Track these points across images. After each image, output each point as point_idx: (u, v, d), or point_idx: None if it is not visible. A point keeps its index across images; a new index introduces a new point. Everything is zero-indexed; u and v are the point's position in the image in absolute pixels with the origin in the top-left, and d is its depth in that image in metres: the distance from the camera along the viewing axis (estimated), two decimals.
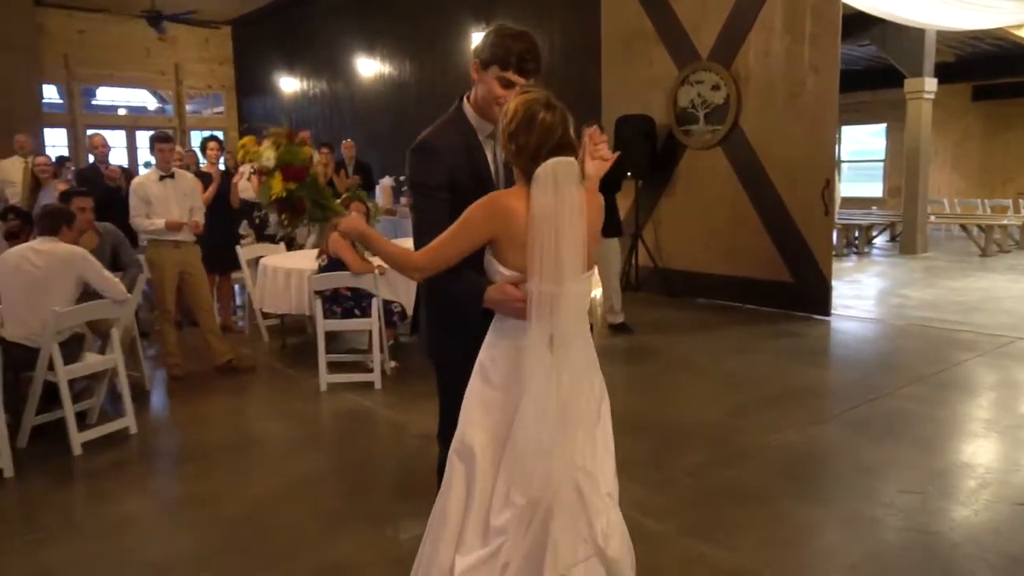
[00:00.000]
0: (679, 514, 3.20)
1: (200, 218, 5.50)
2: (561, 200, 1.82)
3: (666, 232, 8.15)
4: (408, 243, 2.21)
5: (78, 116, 13.96)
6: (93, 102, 15.86)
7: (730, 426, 4.24)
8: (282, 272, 5.72)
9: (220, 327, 6.10)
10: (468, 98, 2.24)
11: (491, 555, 1.87)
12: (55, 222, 4.20)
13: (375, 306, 5.08)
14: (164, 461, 4.19)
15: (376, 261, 5.03)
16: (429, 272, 2.01)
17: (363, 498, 3.49)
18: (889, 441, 3.97)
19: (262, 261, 6.13)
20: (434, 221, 1.99)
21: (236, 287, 7.58)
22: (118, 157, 14.00)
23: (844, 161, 17.50)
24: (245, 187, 7.33)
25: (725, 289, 7.62)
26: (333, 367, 5.20)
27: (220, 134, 13.11)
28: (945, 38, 11.22)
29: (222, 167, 7.28)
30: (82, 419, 4.29)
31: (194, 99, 16.12)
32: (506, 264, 1.93)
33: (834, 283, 7.19)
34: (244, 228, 7.62)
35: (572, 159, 1.88)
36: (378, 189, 10.01)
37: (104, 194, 6.09)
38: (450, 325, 2.15)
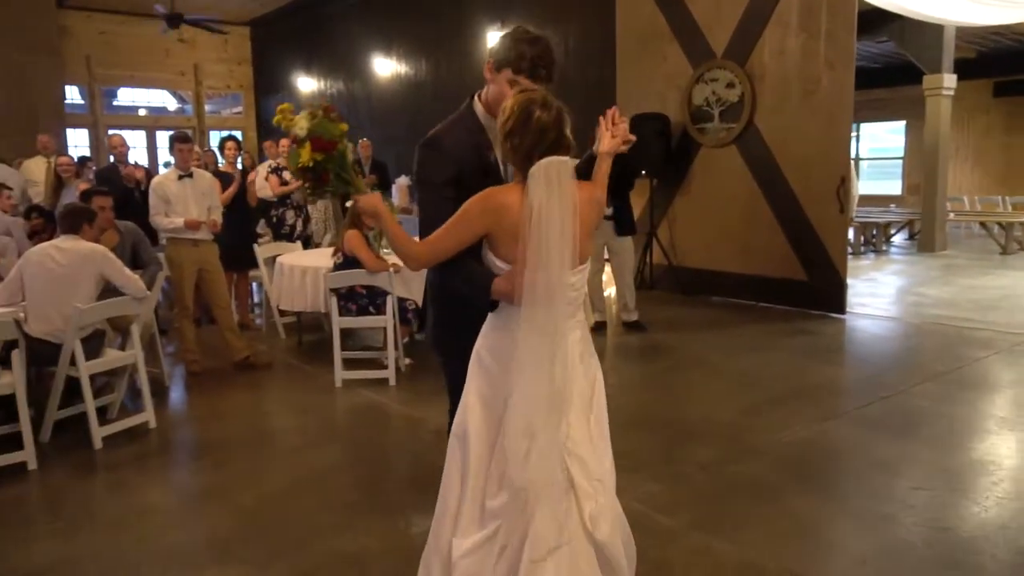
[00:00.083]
0: (688, 508, 3.22)
1: (218, 217, 5.58)
2: (555, 197, 1.87)
3: (680, 230, 8.15)
4: None
5: (99, 116, 14.16)
6: (114, 103, 16.09)
7: (742, 423, 4.25)
8: (298, 270, 5.80)
9: (238, 324, 6.18)
10: (479, 97, 2.28)
11: (488, 538, 1.92)
12: (77, 221, 4.29)
13: (390, 304, 5.13)
14: (182, 454, 4.27)
15: (391, 259, 5.09)
16: (426, 263, 2.07)
17: (377, 491, 3.54)
18: (901, 438, 3.96)
19: (279, 259, 6.21)
20: (438, 217, 2.04)
21: (253, 285, 7.67)
22: (138, 157, 14.23)
23: (863, 159, 17.37)
24: (262, 186, 7.43)
25: (739, 287, 7.61)
26: (348, 364, 5.27)
27: (238, 134, 13.27)
28: (965, 34, 11.12)
29: (239, 167, 7.38)
30: (103, 414, 4.39)
31: (213, 99, 16.30)
32: (500, 256, 1.98)
33: (850, 281, 7.16)
34: (261, 227, 7.71)
35: (567, 159, 1.92)
36: (394, 188, 10.08)
37: (122, 193, 6.19)
38: (456, 320, 2.19)
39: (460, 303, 2.14)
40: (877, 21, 9.42)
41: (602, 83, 8.53)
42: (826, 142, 6.84)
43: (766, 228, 7.33)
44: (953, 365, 5.25)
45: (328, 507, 3.35)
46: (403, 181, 10.24)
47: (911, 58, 10.69)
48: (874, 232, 11.95)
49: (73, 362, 4.03)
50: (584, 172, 2.25)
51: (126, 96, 16.36)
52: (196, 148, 6.38)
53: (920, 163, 12.06)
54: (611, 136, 2.19)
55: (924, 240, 11.28)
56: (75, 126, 14.02)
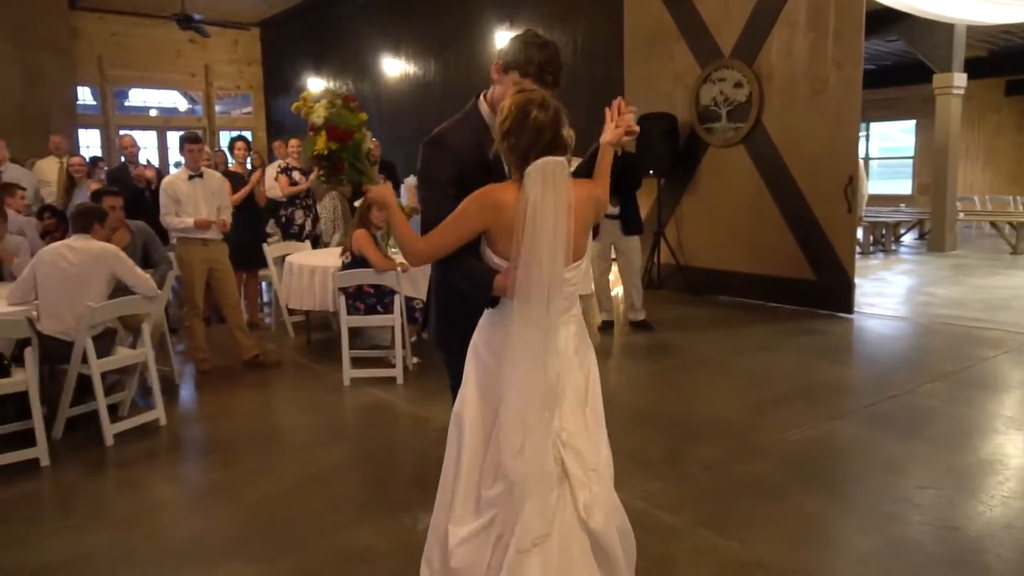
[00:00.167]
0: (693, 507, 3.24)
1: (228, 216, 5.63)
2: (549, 195, 1.90)
3: (688, 230, 8.15)
4: None
5: (111, 117, 14.28)
6: (125, 103, 16.20)
7: (748, 422, 4.26)
8: (307, 269, 5.84)
9: (247, 323, 6.23)
10: (485, 97, 2.31)
11: (484, 527, 1.96)
12: (88, 220, 4.34)
13: (397, 303, 5.17)
14: (192, 451, 4.32)
15: (399, 259, 5.12)
16: (426, 259, 2.12)
17: (384, 489, 3.57)
18: (908, 437, 3.97)
19: (288, 259, 6.26)
20: (439, 215, 2.07)
21: (263, 284, 7.72)
22: (149, 157, 14.32)
23: (873, 158, 17.29)
24: (272, 186, 7.48)
25: (747, 287, 7.60)
26: (356, 362, 5.30)
27: (248, 134, 13.34)
28: (976, 32, 11.07)
29: (248, 167, 7.43)
30: (114, 411, 4.44)
31: (223, 100, 16.39)
32: (497, 253, 2.02)
33: (859, 281, 7.14)
34: (271, 227, 7.76)
35: (563, 159, 1.95)
36: (403, 188, 10.12)
37: (132, 193, 6.24)
38: (458, 318, 2.22)
39: (462, 301, 2.17)
40: (887, 20, 9.40)
41: (610, 82, 8.54)
42: (834, 142, 6.83)
43: (774, 228, 7.33)
44: (961, 365, 5.24)
45: (336, 504, 3.38)
46: (412, 181, 10.26)
47: (921, 57, 10.66)
48: (883, 232, 11.91)
49: (85, 360, 4.08)
50: (588, 169, 2.27)
51: (137, 97, 16.49)
52: (206, 148, 6.43)
53: (930, 162, 12.01)
54: (615, 126, 2.22)
55: (934, 240, 11.23)
56: (87, 127, 14.14)
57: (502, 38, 9.90)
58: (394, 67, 12.63)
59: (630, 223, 6.35)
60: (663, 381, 5.29)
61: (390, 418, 4.66)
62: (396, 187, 9.65)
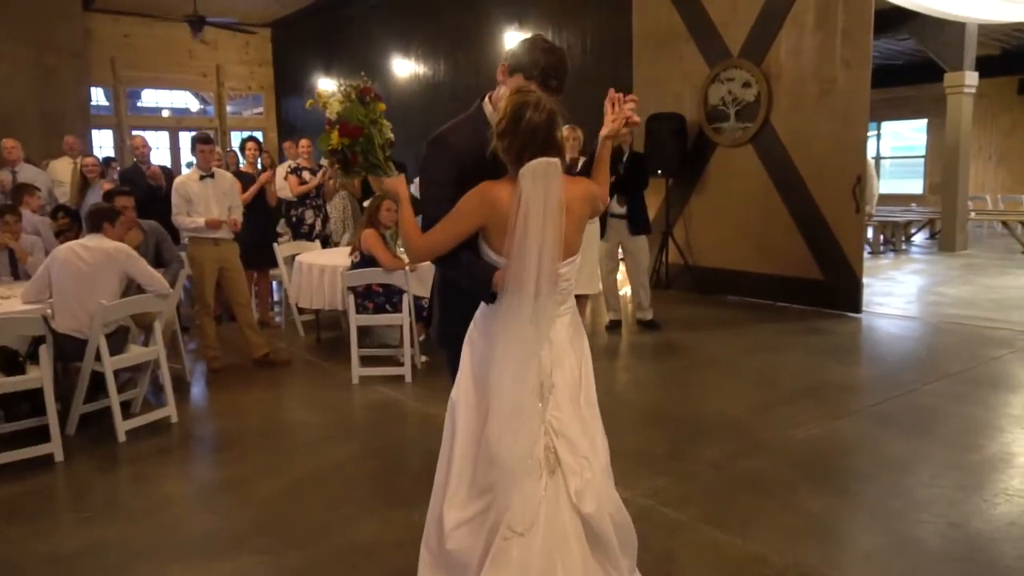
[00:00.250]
0: (697, 503, 3.26)
1: (238, 216, 5.69)
2: (541, 195, 1.95)
3: (696, 229, 8.16)
4: None
5: (124, 118, 14.42)
6: (138, 104, 16.34)
7: (754, 420, 4.28)
8: (316, 269, 5.89)
9: (258, 322, 6.29)
10: (490, 98, 2.34)
11: (480, 512, 2.01)
12: (99, 220, 4.41)
13: (406, 302, 5.21)
14: (203, 448, 4.37)
15: (407, 258, 5.16)
16: (425, 256, 2.17)
17: (391, 484, 3.62)
18: (913, 436, 3.97)
19: (298, 258, 6.31)
20: (439, 213, 2.12)
21: (273, 283, 7.79)
22: (161, 157, 14.46)
23: (884, 157, 17.21)
24: (282, 186, 7.54)
25: (755, 287, 7.61)
26: (365, 361, 5.35)
27: (259, 135, 13.44)
28: (988, 31, 11.01)
29: (259, 167, 7.49)
30: (126, 408, 4.50)
31: (234, 100, 16.51)
32: (493, 249, 2.07)
33: (869, 281, 7.14)
34: (281, 226, 7.82)
35: (556, 160, 1.99)
36: (413, 188, 10.15)
37: (145, 193, 6.31)
38: (461, 316, 2.25)
39: (465, 299, 2.20)
40: (897, 19, 9.38)
41: (618, 83, 8.49)
42: (842, 141, 6.83)
43: (782, 227, 7.33)
44: (969, 364, 5.24)
45: (344, 500, 3.42)
46: None
47: (932, 55, 10.62)
48: (893, 231, 11.86)
49: (98, 357, 4.14)
50: (589, 167, 2.32)
51: (149, 97, 16.63)
52: (218, 149, 6.49)
53: (942, 162, 11.95)
54: (613, 119, 2.25)
55: (944, 239, 11.19)
56: (100, 127, 14.28)
57: (511, 39, 9.93)
58: (404, 67, 12.69)
59: (637, 223, 6.36)
60: (670, 380, 5.31)
61: (398, 416, 4.70)
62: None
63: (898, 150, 17.66)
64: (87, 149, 11.36)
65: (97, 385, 4.30)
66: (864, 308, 6.95)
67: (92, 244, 4.31)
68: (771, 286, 7.48)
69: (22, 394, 4.08)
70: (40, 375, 3.87)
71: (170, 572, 2.84)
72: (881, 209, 12.25)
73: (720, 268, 7.93)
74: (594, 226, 6.04)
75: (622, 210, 6.32)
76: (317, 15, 14.17)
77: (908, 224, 12.32)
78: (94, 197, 6.73)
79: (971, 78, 10.46)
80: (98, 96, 14.69)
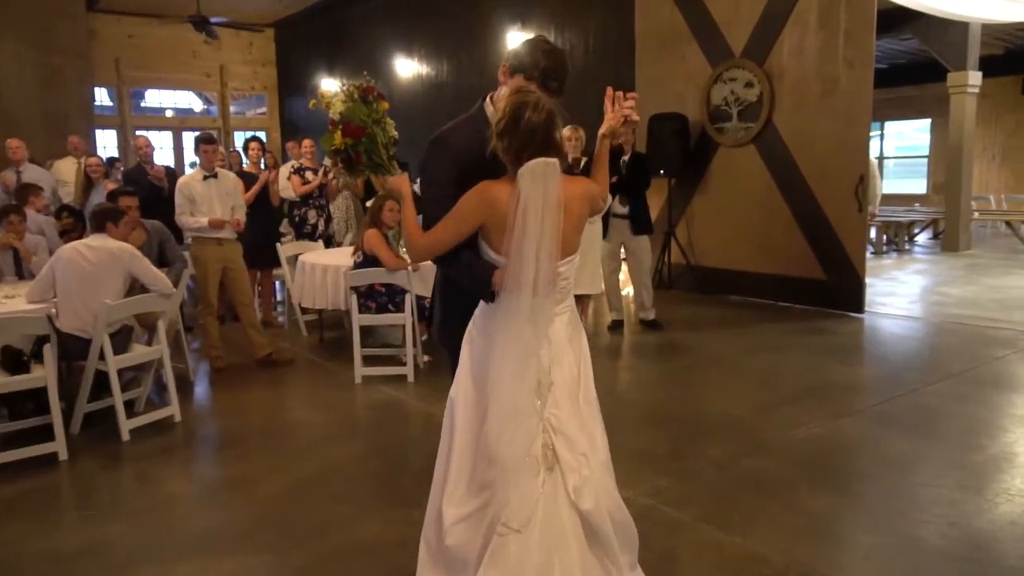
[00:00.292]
0: (698, 502, 3.27)
1: (242, 216, 5.70)
2: (539, 195, 1.96)
3: (699, 230, 8.16)
4: None
5: (127, 118, 14.46)
6: (142, 104, 16.38)
7: (756, 420, 4.28)
8: (319, 268, 5.90)
9: (261, 322, 6.31)
10: (491, 98, 2.35)
11: (479, 508, 2.03)
12: (102, 219, 4.43)
13: (408, 302, 5.22)
14: (206, 446, 4.39)
15: (409, 258, 5.18)
16: (425, 255, 2.19)
17: (393, 483, 3.63)
18: (915, 435, 3.98)
19: (301, 258, 6.33)
20: (439, 214, 2.13)
21: (276, 283, 7.81)
22: (165, 158, 14.50)
23: (888, 157, 17.19)
24: (285, 186, 7.56)
25: (758, 287, 7.61)
26: (368, 360, 5.37)
27: (262, 135, 13.47)
28: (992, 30, 11.00)
29: (263, 167, 7.51)
30: (130, 407, 4.51)
31: (237, 100, 16.54)
32: (492, 247, 2.09)
33: (871, 281, 7.14)
34: (284, 227, 7.84)
35: (554, 160, 2.01)
36: (416, 189, 10.17)
37: (149, 193, 6.34)
38: (462, 315, 2.26)
39: (466, 299, 2.21)
40: (900, 19, 9.37)
41: (621, 83, 8.51)
42: (845, 141, 6.83)
43: (784, 227, 7.33)
44: (971, 364, 5.23)
45: (346, 499, 3.44)
46: None
47: (935, 55, 10.60)
48: (896, 232, 11.85)
49: (102, 357, 4.16)
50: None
51: (153, 98, 16.66)
52: (221, 149, 6.51)
53: (945, 162, 11.94)
54: (611, 117, 2.26)
55: (948, 239, 11.17)
56: (104, 127, 14.33)
57: (514, 38, 9.94)
58: (407, 68, 12.71)
59: (640, 223, 6.37)
60: (673, 380, 5.31)
61: (401, 415, 4.72)
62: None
63: (902, 150, 17.64)
64: (91, 149, 11.40)
65: (101, 384, 4.33)
66: (867, 308, 6.95)
67: (96, 244, 4.33)
68: (773, 286, 7.48)
69: (27, 393, 4.11)
70: (44, 374, 3.90)
71: (173, 570, 2.86)
72: (884, 209, 12.23)
73: (722, 268, 7.93)
74: (596, 226, 6.06)
75: (624, 210, 6.33)
76: (320, 15, 14.20)
77: (911, 224, 12.31)
78: (98, 197, 6.76)
79: (975, 78, 10.45)
80: (102, 96, 14.73)
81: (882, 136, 16.79)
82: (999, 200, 13.66)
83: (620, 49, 8.85)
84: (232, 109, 16.07)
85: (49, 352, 3.91)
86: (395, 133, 2.42)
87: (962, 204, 10.92)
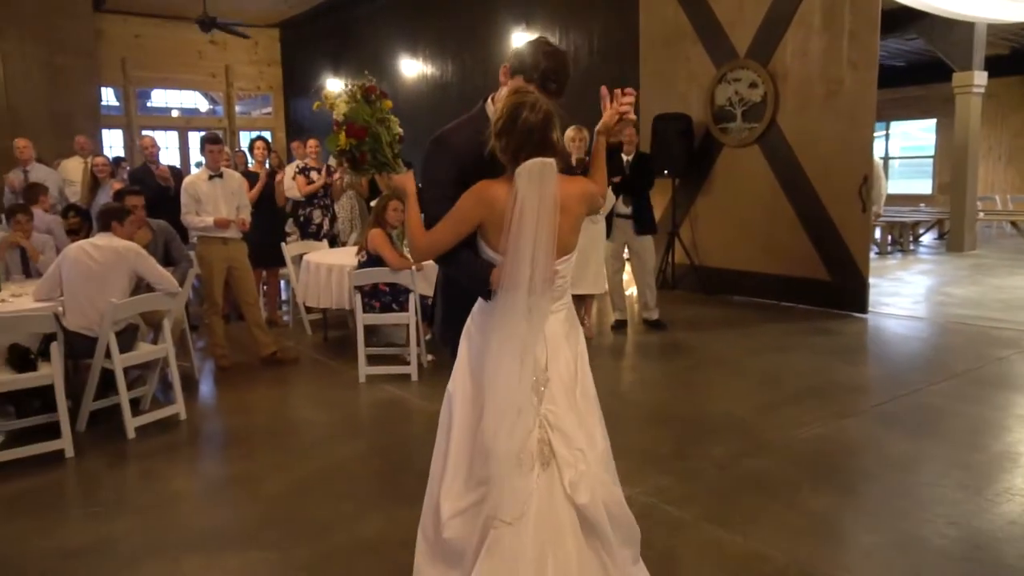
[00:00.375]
0: (700, 502, 3.28)
1: (247, 216, 5.73)
2: (535, 195, 1.98)
3: (703, 230, 8.17)
4: None
5: (134, 118, 14.52)
6: (148, 104, 16.43)
7: (758, 420, 4.29)
8: (324, 268, 5.93)
9: (266, 321, 6.33)
10: (493, 98, 2.37)
11: (475, 503, 2.05)
12: (107, 219, 4.47)
13: (412, 301, 5.24)
14: (211, 444, 4.42)
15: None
16: (426, 255, 2.21)
17: (397, 482, 3.65)
18: (917, 435, 3.98)
19: (305, 257, 6.35)
20: (439, 213, 2.15)
21: (281, 283, 7.84)
22: (171, 157, 14.55)
23: (894, 157, 17.15)
24: (290, 186, 7.58)
25: (761, 287, 7.61)
26: (372, 360, 5.39)
27: (268, 135, 13.51)
28: (998, 30, 10.98)
29: (267, 167, 7.54)
30: (136, 405, 4.55)
31: (243, 100, 16.59)
32: (490, 245, 2.11)
33: (875, 281, 7.13)
34: (289, 226, 7.87)
35: (551, 160, 2.03)
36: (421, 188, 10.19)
37: (155, 193, 6.37)
38: (464, 316, 2.28)
39: (467, 298, 2.23)
40: (905, 18, 9.36)
41: (625, 83, 8.53)
42: (849, 142, 6.83)
43: (788, 228, 7.33)
44: (975, 364, 5.23)
45: (350, 497, 3.46)
46: None
47: (940, 55, 10.59)
48: (900, 232, 11.83)
49: (108, 355, 4.19)
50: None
51: (159, 97, 16.72)
52: (226, 149, 6.54)
53: (950, 162, 11.91)
54: (607, 114, 2.27)
55: (953, 240, 11.16)
56: (110, 127, 14.37)
57: (518, 39, 9.96)
58: (411, 68, 12.73)
59: (643, 223, 6.38)
60: (676, 380, 5.32)
61: (404, 414, 4.74)
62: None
63: (907, 150, 17.59)
64: (97, 149, 11.44)
65: (107, 382, 4.36)
66: (870, 308, 6.94)
67: (102, 243, 4.36)
68: (777, 286, 7.48)
69: (33, 391, 4.13)
70: (51, 372, 3.93)
71: (178, 566, 2.88)
72: (889, 209, 12.20)
73: (726, 268, 7.94)
74: (600, 226, 6.08)
75: (628, 210, 6.34)
76: (325, 15, 14.23)
77: (916, 224, 12.28)
78: (104, 196, 6.80)
79: (980, 78, 10.43)
80: (108, 96, 14.79)
81: (887, 136, 16.75)
82: (1005, 200, 13.63)
83: (624, 49, 8.86)
84: (237, 109, 16.12)
85: (56, 350, 3.95)
86: (399, 130, 2.44)
87: (967, 204, 10.90)
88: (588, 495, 2.04)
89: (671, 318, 6.71)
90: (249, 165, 7.69)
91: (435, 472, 2.20)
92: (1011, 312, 6.84)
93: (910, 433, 4.02)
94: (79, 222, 6.24)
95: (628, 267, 6.90)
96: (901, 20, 9.36)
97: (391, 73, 13.07)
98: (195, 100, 17.01)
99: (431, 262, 2.33)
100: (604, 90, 2.31)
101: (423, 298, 5.39)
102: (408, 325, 5.31)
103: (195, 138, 14.99)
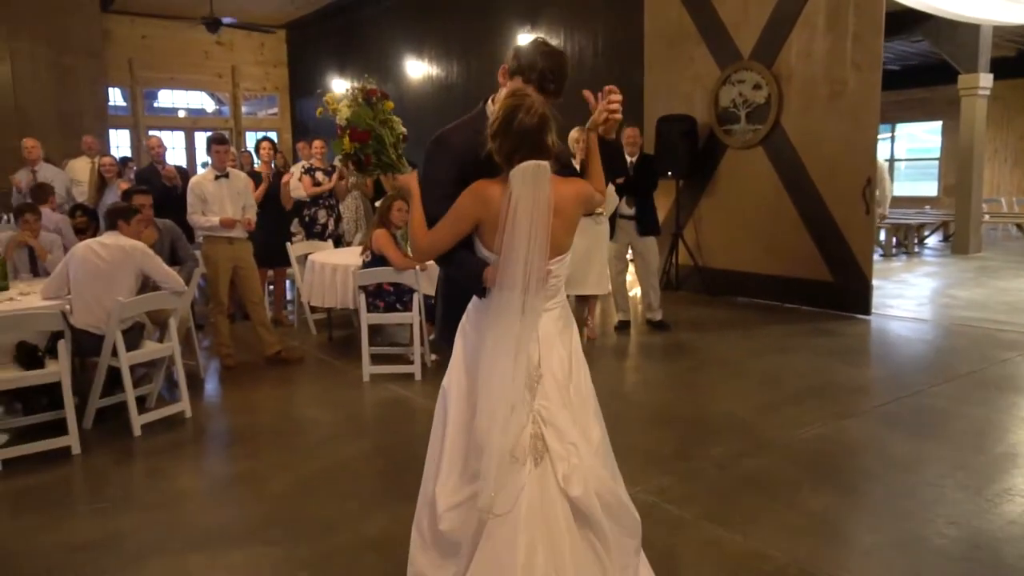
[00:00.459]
0: (701, 501, 3.30)
1: (252, 215, 5.77)
2: (529, 197, 2.01)
3: (707, 231, 8.18)
4: None
5: (140, 118, 14.59)
6: (155, 104, 16.51)
7: (760, 420, 4.31)
8: (329, 268, 5.96)
9: (272, 320, 6.36)
10: (493, 99, 2.39)
11: (470, 497, 2.08)
12: (114, 218, 4.51)
13: (416, 301, 5.27)
14: (216, 443, 4.45)
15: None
16: (426, 254, 2.23)
17: (400, 479, 3.66)
18: (918, 436, 3.99)
19: (310, 257, 6.38)
20: (438, 213, 2.18)
21: (288, 283, 7.87)
22: (177, 157, 14.62)
23: (899, 159, 17.11)
24: (296, 187, 7.62)
25: (765, 288, 7.62)
26: (376, 359, 5.42)
27: (274, 135, 13.56)
28: (1004, 32, 10.95)
29: (273, 167, 7.57)
30: (142, 403, 4.58)
31: (249, 101, 16.65)
32: (484, 244, 2.15)
33: (880, 283, 7.13)
34: (295, 226, 7.91)
35: (545, 163, 2.05)
36: None
37: (161, 192, 6.41)
38: (461, 313, 2.30)
39: (466, 299, 2.26)
40: (911, 20, 9.35)
41: (630, 84, 8.58)
42: (852, 143, 6.83)
43: (792, 229, 7.34)
44: (978, 366, 5.24)
45: (354, 495, 3.49)
46: None
47: (946, 57, 10.57)
48: (905, 234, 11.81)
49: (115, 353, 4.23)
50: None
51: (166, 98, 16.80)
52: (232, 149, 6.58)
53: (956, 164, 11.89)
54: (598, 111, 2.27)
55: (958, 242, 11.13)
56: (117, 127, 14.46)
57: (523, 40, 9.99)
58: (417, 69, 12.77)
59: (646, 224, 6.40)
60: (679, 381, 5.34)
61: (407, 413, 4.76)
62: None
63: (913, 152, 17.54)
64: (105, 149, 11.51)
65: (113, 380, 4.40)
66: (874, 310, 6.95)
67: (109, 242, 4.40)
68: (780, 288, 7.49)
69: (41, 388, 4.17)
70: (58, 369, 3.96)
71: (183, 562, 2.92)
72: (894, 211, 12.20)
73: (730, 269, 7.95)
74: (604, 227, 6.09)
75: (631, 211, 6.36)
76: (332, 17, 14.28)
77: (921, 226, 12.27)
78: (111, 196, 6.84)
79: (986, 80, 10.41)
80: (116, 96, 14.86)
81: (893, 138, 16.72)
82: (1010, 202, 13.60)
83: (629, 51, 8.88)
84: (244, 110, 16.19)
85: (63, 348, 3.98)
86: (403, 130, 2.47)
87: (972, 206, 10.88)
88: (581, 488, 2.07)
89: (675, 319, 6.73)
90: (255, 166, 7.72)
91: (430, 466, 2.24)
92: (1016, 314, 6.84)
93: (911, 434, 4.03)
94: (86, 221, 6.28)
95: (632, 268, 6.91)
96: (907, 22, 9.35)
97: (397, 74, 13.11)
98: (201, 100, 17.07)
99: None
100: (587, 93, 2.32)
101: (427, 298, 5.41)
102: (412, 325, 5.34)
103: (201, 138, 15.06)
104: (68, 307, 4.28)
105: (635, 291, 7.43)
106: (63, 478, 3.77)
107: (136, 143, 14.31)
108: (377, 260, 5.40)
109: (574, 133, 5.60)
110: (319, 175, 7.70)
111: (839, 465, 3.74)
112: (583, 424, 2.17)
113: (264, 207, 6.46)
